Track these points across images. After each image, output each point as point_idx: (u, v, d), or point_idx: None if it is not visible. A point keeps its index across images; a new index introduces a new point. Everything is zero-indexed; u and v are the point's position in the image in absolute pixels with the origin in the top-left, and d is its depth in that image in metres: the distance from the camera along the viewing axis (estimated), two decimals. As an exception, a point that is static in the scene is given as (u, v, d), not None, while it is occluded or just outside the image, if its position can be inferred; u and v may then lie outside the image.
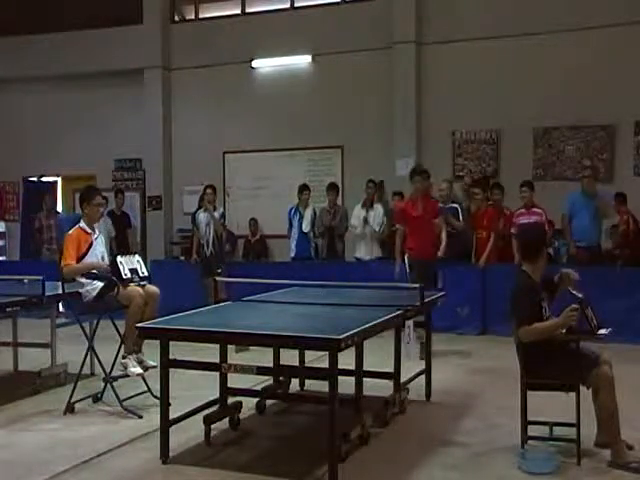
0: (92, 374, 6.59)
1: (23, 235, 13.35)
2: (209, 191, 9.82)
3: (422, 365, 6.17)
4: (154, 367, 5.29)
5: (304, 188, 10.55)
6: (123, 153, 13.53)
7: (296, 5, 12.63)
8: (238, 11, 13.08)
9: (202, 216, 9.82)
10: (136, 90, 13.25)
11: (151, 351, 5.27)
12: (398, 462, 4.67)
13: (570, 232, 9.16)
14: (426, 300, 5.50)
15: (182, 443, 4.91)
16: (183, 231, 12.54)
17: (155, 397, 5.48)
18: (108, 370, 5.84)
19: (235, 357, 6.48)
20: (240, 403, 5.40)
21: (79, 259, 5.89)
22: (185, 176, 13.09)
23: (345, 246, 10.58)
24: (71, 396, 5.75)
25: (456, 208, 9.51)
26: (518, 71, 10.92)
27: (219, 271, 8.99)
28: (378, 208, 10.27)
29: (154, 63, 13.22)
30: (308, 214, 10.42)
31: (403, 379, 5.86)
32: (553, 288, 4.88)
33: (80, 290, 5.91)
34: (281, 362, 5.84)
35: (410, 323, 5.23)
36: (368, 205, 10.26)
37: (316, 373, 5.22)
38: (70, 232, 6.02)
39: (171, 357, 4.68)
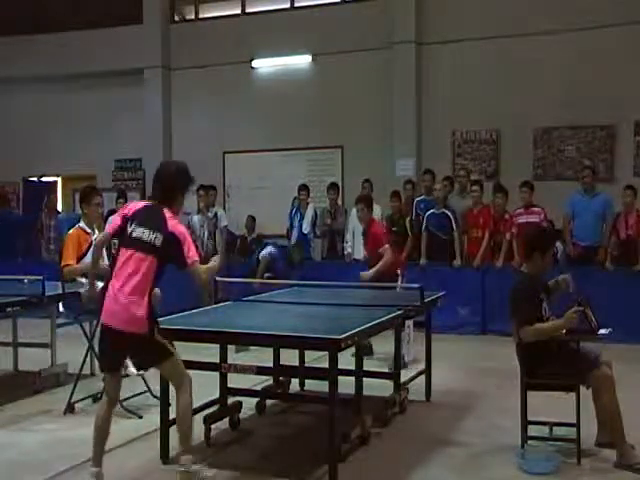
0: (92, 374, 6.56)
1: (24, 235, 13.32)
2: (201, 192, 10.01)
3: (422, 365, 6.18)
4: (154, 367, 5.28)
5: (302, 188, 10.55)
6: (123, 153, 13.52)
7: (296, 5, 12.62)
8: (238, 11, 13.08)
9: (196, 218, 10.13)
10: (136, 90, 13.25)
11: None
12: (398, 462, 4.67)
13: (570, 232, 9.17)
14: (426, 300, 5.50)
15: (182, 443, 4.91)
16: (183, 231, 12.50)
17: (155, 397, 5.47)
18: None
19: (235, 357, 6.48)
20: (240, 403, 5.40)
21: (79, 259, 5.89)
22: (185, 176, 13.06)
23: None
24: (71, 396, 5.75)
25: (448, 215, 9.35)
26: (518, 71, 10.90)
27: None
28: (376, 209, 10.19)
29: (154, 63, 13.21)
30: (309, 214, 10.41)
31: (403, 379, 5.86)
32: (549, 293, 4.87)
33: (80, 290, 5.90)
34: (281, 362, 5.84)
35: (410, 323, 5.22)
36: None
37: (316, 373, 5.22)
38: (70, 232, 6.03)
39: (171, 357, 4.67)
